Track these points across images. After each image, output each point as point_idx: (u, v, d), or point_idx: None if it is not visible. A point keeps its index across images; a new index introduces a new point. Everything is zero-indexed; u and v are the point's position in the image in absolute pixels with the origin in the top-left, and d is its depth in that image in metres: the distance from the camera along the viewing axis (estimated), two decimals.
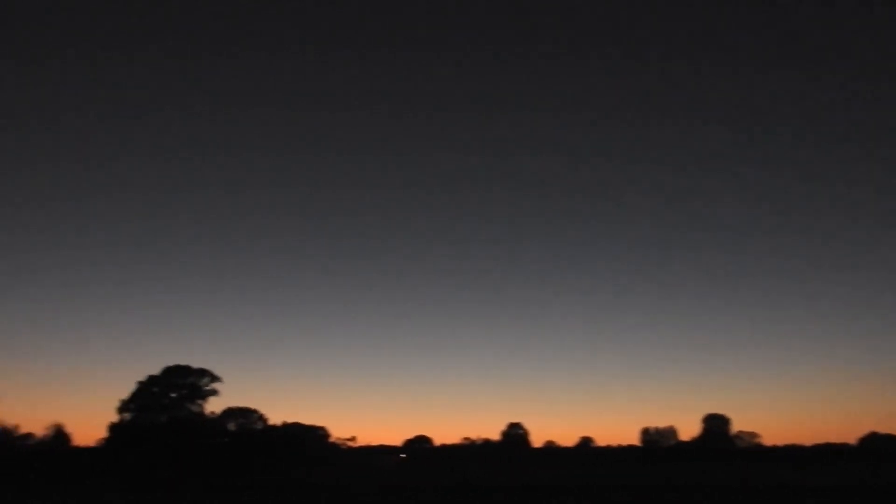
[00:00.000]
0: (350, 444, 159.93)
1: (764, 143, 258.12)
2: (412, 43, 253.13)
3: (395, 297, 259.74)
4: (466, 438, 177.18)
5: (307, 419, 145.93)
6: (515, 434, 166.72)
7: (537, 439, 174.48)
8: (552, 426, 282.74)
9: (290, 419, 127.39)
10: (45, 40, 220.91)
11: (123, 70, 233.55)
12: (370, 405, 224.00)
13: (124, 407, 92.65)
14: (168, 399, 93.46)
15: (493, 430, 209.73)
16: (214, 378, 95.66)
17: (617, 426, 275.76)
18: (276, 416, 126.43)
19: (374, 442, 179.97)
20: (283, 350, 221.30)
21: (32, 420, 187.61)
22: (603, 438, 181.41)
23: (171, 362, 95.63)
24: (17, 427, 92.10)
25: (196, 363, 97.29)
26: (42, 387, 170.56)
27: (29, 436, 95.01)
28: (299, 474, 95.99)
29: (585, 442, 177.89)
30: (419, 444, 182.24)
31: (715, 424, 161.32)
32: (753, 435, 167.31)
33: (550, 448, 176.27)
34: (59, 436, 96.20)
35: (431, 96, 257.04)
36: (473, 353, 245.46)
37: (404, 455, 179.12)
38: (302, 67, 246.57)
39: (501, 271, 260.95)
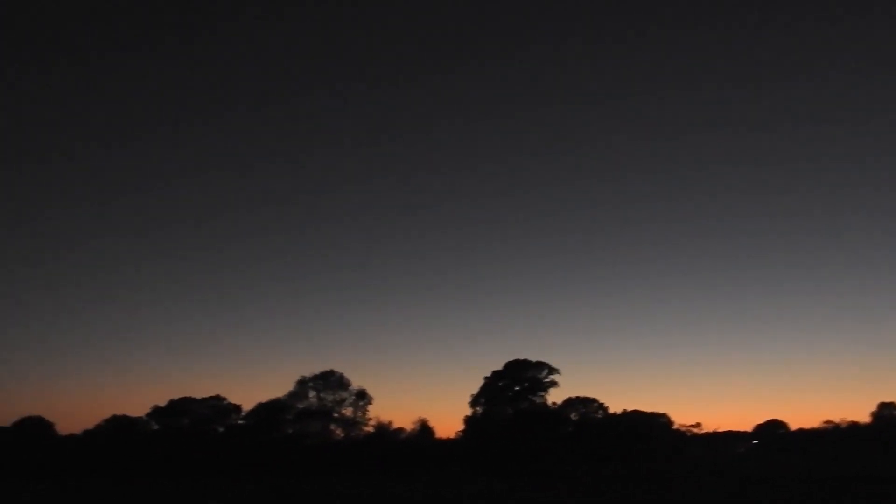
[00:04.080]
0: (695, 430, 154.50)
1: None
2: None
3: (741, 270, 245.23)
4: (828, 422, 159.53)
5: (648, 406, 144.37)
6: (890, 416, 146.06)
7: None
8: None
9: (631, 407, 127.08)
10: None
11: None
12: (716, 388, 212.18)
13: (475, 401, 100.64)
14: (512, 392, 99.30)
15: (860, 412, 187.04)
16: (552, 370, 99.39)
17: None
18: (616, 405, 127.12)
19: (722, 428, 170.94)
20: (620, 337, 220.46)
21: (403, 416, 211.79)
22: None
23: (516, 356, 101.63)
24: (391, 423, 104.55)
25: (536, 356, 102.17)
26: (410, 385, 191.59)
27: (401, 430, 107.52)
28: (642, 463, 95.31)
29: None
30: (773, 430, 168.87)
31: None
32: None
33: None
34: (425, 429, 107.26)
35: None
36: (833, 325, 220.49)
37: (756, 441, 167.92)
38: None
39: (860, 233, 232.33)
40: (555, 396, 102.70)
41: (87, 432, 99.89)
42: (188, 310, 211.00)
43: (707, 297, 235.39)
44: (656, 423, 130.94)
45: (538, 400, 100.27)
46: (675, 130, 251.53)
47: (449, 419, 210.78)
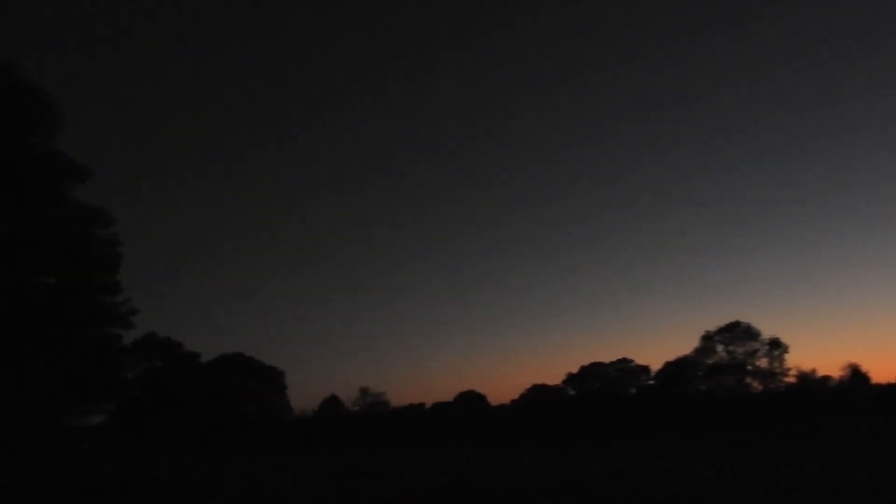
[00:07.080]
0: None
1: None
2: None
3: None
4: None
5: None
6: None
7: None
8: None
9: None
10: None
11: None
12: None
13: None
14: None
15: None
16: None
17: None
18: None
19: None
20: None
21: (829, 363, 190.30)
22: None
23: None
24: (814, 371, 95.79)
25: None
26: (833, 329, 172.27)
27: (827, 378, 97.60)
28: None
29: None
30: None
31: None
32: None
33: None
34: (857, 375, 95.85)
35: None
36: None
37: None
38: None
39: None
40: None
41: (513, 402, 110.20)
42: (557, 277, 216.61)
43: None
44: None
45: None
46: None
47: (887, 362, 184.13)
